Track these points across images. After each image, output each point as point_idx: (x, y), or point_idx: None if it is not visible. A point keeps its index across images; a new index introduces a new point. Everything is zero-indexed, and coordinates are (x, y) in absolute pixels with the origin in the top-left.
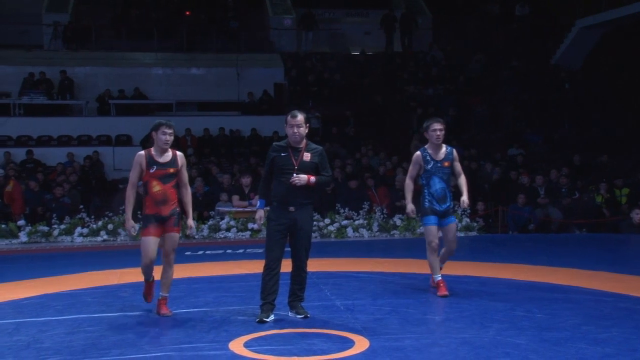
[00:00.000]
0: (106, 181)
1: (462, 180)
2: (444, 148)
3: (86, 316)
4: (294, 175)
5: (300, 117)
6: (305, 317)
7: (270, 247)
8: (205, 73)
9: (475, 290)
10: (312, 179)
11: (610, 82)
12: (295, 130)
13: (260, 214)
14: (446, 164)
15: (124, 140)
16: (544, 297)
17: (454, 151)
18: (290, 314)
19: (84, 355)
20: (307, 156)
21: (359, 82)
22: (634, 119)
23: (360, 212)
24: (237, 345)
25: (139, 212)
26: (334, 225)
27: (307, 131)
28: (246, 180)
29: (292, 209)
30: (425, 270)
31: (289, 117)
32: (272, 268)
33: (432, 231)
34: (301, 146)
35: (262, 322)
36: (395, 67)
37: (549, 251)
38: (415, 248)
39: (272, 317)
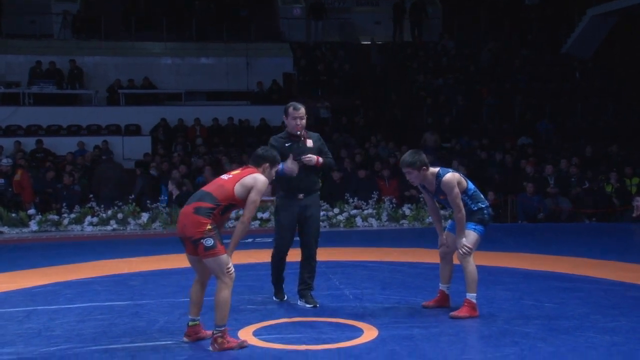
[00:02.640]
0: None
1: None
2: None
3: (97, 304)
4: (307, 157)
5: (302, 109)
6: (315, 306)
7: (281, 235)
8: (215, 63)
9: (484, 279)
10: (320, 159)
11: (622, 72)
12: (299, 122)
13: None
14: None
15: (133, 130)
16: (553, 287)
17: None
18: (299, 302)
19: (94, 343)
20: (309, 142)
21: (368, 72)
22: None
23: (369, 201)
24: (246, 334)
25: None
26: (343, 214)
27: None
28: None
29: (301, 196)
30: (434, 259)
31: (290, 109)
32: (282, 254)
33: None
34: (302, 135)
35: (282, 300)
36: (405, 57)
37: (558, 240)
38: (424, 238)
39: (285, 298)
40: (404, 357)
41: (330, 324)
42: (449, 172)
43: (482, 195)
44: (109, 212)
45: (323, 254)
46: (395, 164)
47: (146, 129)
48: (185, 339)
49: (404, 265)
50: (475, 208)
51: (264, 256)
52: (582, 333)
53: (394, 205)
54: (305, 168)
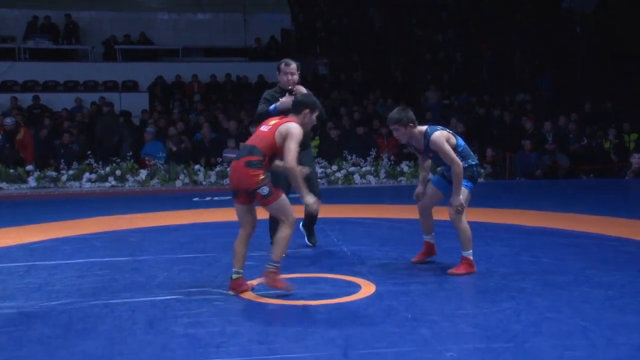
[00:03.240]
0: None
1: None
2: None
3: (96, 260)
4: (298, 87)
5: (293, 65)
6: (314, 245)
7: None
8: (212, 18)
9: (482, 235)
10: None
11: (622, 26)
12: (290, 78)
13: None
14: None
15: (131, 86)
16: (550, 242)
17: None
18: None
19: (94, 298)
20: (301, 88)
21: (367, 28)
22: None
23: (368, 158)
24: None
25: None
26: (341, 172)
27: (298, 78)
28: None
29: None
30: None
31: (282, 65)
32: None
33: None
34: (293, 90)
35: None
36: (404, 12)
37: (555, 197)
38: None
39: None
40: (401, 312)
41: (328, 280)
42: (436, 130)
43: (471, 152)
44: (107, 168)
45: (321, 211)
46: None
47: (143, 86)
48: (230, 292)
49: (402, 222)
50: (466, 165)
51: (262, 213)
52: (578, 287)
53: (392, 162)
54: None
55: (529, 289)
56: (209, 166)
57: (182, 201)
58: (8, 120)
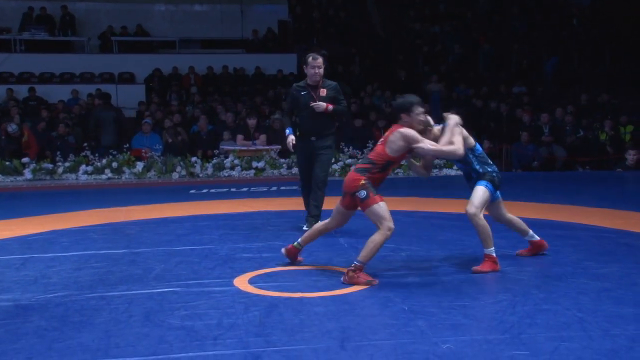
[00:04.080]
0: None
1: None
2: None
3: (93, 252)
4: (318, 104)
5: (320, 59)
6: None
7: (300, 171)
8: (209, 10)
9: None
10: (330, 107)
11: (620, 18)
12: (317, 71)
13: (291, 137)
14: None
15: (127, 78)
16: (547, 234)
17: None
18: (304, 227)
19: (91, 290)
20: (323, 92)
21: (364, 20)
22: None
23: (365, 150)
24: (241, 282)
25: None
26: (338, 163)
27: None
28: (252, 122)
29: (313, 138)
30: (428, 208)
31: (310, 59)
32: (304, 187)
33: None
34: (319, 84)
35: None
36: (401, 4)
37: (552, 189)
38: (419, 186)
39: (305, 227)
40: (397, 304)
41: (326, 271)
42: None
43: (489, 161)
44: (104, 160)
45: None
46: (390, 113)
47: (140, 77)
48: (282, 251)
49: (399, 213)
50: (481, 170)
51: (260, 205)
52: (575, 279)
53: None
54: (316, 113)
55: (525, 280)
56: (206, 158)
57: (179, 193)
58: (11, 128)
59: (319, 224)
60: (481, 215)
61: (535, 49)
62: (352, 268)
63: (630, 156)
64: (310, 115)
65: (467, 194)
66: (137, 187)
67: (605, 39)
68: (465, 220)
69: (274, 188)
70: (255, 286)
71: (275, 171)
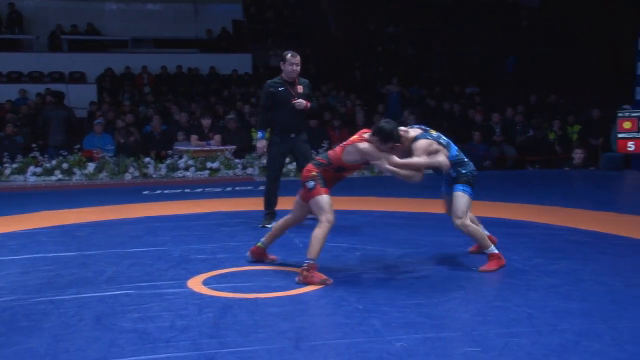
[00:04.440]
0: None
1: None
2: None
3: (42, 255)
4: (298, 101)
5: (298, 57)
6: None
7: (273, 164)
8: (162, 9)
9: (432, 225)
10: (309, 104)
11: (568, 20)
12: (295, 68)
13: (263, 143)
14: None
15: (78, 78)
16: (498, 232)
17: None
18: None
19: (39, 294)
20: (300, 88)
21: (319, 20)
22: (592, 57)
23: (319, 150)
24: (195, 283)
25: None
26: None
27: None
28: (206, 122)
29: (292, 135)
30: (383, 207)
31: (288, 56)
32: (274, 181)
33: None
34: (295, 81)
35: (265, 227)
36: (355, 4)
37: (503, 187)
38: (376, 187)
39: (273, 224)
40: (352, 303)
41: (280, 272)
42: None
43: (465, 160)
44: (54, 161)
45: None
46: (345, 112)
47: (91, 77)
48: (248, 255)
49: (354, 213)
50: (455, 174)
51: (214, 206)
52: (525, 276)
53: None
54: (296, 110)
55: (477, 278)
56: (160, 159)
57: (131, 195)
58: None
59: (280, 221)
60: (468, 222)
61: (486, 50)
62: (305, 267)
63: (577, 155)
64: (291, 112)
65: (424, 193)
66: (89, 188)
67: (554, 41)
68: (423, 219)
69: (229, 188)
70: (209, 287)
71: (230, 171)
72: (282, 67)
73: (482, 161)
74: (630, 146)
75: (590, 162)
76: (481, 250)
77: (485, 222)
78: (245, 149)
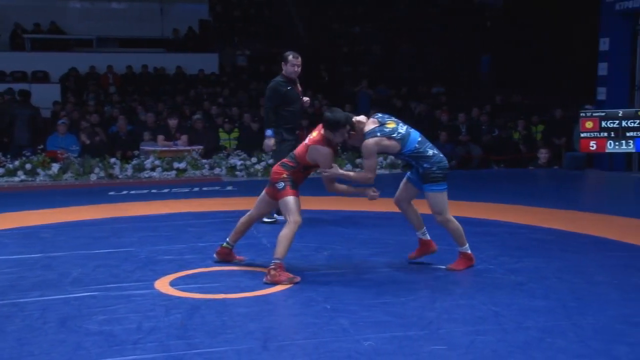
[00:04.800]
0: None
1: None
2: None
3: (5, 257)
4: (306, 99)
5: (300, 57)
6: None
7: (280, 158)
8: (127, 8)
9: (398, 225)
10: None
11: (530, 21)
12: (297, 69)
13: (272, 141)
14: None
15: (41, 77)
16: (465, 231)
17: None
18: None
19: (2, 297)
20: (299, 87)
21: (285, 19)
22: (555, 57)
23: None
24: (163, 284)
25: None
26: (261, 164)
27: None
28: (173, 122)
29: (298, 131)
30: (350, 207)
31: (290, 57)
32: None
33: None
34: (296, 80)
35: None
36: (321, 4)
37: (469, 187)
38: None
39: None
40: (320, 303)
41: (248, 272)
42: (374, 134)
43: (427, 154)
44: (17, 162)
45: (241, 203)
46: (313, 112)
47: (55, 77)
48: (215, 256)
49: (322, 212)
50: (421, 171)
51: (181, 206)
52: (490, 274)
53: None
54: (301, 108)
55: (443, 277)
56: (126, 159)
57: (97, 195)
58: None
59: (243, 218)
60: (449, 217)
61: (450, 50)
62: (273, 267)
63: (542, 155)
64: (299, 109)
65: (391, 194)
66: (53, 189)
67: (517, 41)
68: (389, 219)
69: (196, 189)
70: (176, 288)
71: (197, 172)
72: (284, 68)
73: (449, 161)
74: (593, 145)
75: (554, 162)
76: (420, 253)
77: None
78: (212, 149)
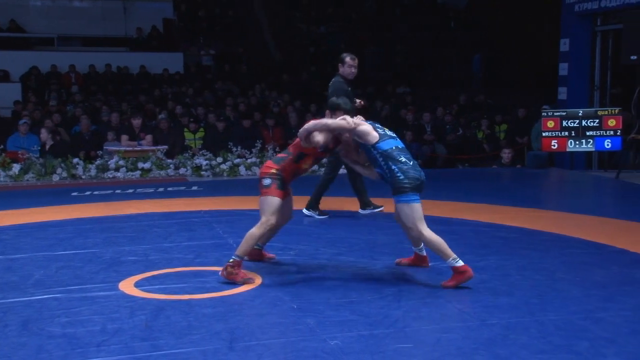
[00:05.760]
0: None
1: None
2: None
3: None
4: (358, 101)
5: (357, 59)
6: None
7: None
8: (90, 6)
9: (365, 224)
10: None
11: (492, 22)
12: (353, 70)
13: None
14: None
15: (1, 76)
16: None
17: None
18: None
19: None
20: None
21: (251, 19)
22: (517, 57)
23: (253, 150)
24: (127, 285)
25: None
26: (227, 163)
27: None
28: (137, 122)
29: None
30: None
31: (347, 59)
32: (335, 171)
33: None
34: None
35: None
36: (288, 4)
37: (434, 186)
38: (307, 186)
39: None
40: (286, 302)
41: (214, 272)
42: None
43: (401, 157)
44: None
45: (207, 203)
46: (278, 112)
47: (15, 76)
48: (245, 257)
49: None
50: (389, 177)
51: (146, 206)
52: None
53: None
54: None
55: (409, 275)
56: (89, 159)
57: (60, 196)
58: None
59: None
60: (425, 230)
61: (417, 51)
62: (231, 263)
63: (505, 154)
64: (353, 110)
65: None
66: (14, 190)
67: (480, 41)
68: (356, 217)
69: (161, 189)
70: (141, 289)
71: (162, 172)
72: (341, 69)
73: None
74: (554, 145)
75: (517, 161)
76: (411, 263)
77: None
78: (179, 149)
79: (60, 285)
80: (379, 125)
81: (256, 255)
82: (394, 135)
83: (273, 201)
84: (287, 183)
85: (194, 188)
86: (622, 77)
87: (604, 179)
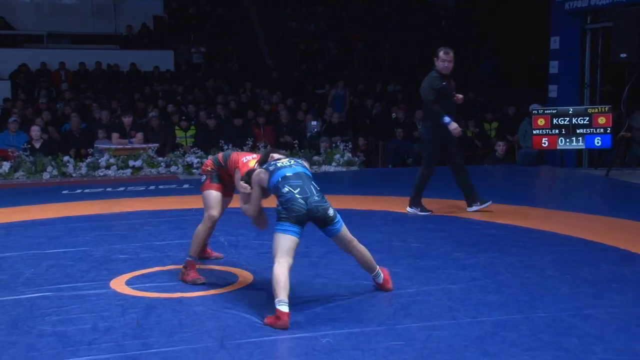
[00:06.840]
0: None
1: None
2: None
3: None
4: (459, 96)
5: (451, 52)
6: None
7: (433, 158)
8: (79, 3)
9: (356, 222)
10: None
11: (481, 20)
12: (447, 64)
13: (455, 124)
14: None
15: None
16: (419, 228)
17: None
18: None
19: None
20: (452, 82)
21: (241, 17)
22: (507, 55)
23: (244, 148)
24: (118, 284)
25: None
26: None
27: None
28: (128, 120)
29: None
30: None
31: (441, 53)
32: (430, 172)
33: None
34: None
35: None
36: (278, 2)
37: None
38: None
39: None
40: None
41: (206, 271)
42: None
43: (284, 188)
44: None
45: (198, 202)
46: (269, 110)
47: (5, 73)
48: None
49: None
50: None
51: (137, 205)
52: (445, 270)
53: None
54: (453, 103)
55: (399, 273)
56: (80, 157)
57: (50, 194)
58: None
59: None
60: (277, 263)
61: (408, 49)
62: (184, 264)
63: (500, 147)
64: (452, 104)
65: (348, 191)
66: (3, 188)
67: (469, 40)
68: (347, 215)
69: (152, 187)
70: (132, 288)
71: (153, 170)
72: (436, 64)
73: (406, 158)
74: (545, 142)
75: (509, 157)
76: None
77: (407, 217)
78: (170, 147)
79: (50, 284)
80: (276, 157)
81: (201, 253)
82: (292, 162)
83: (211, 195)
84: (223, 179)
85: (185, 186)
86: (612, 75)
87: (594, 176)
